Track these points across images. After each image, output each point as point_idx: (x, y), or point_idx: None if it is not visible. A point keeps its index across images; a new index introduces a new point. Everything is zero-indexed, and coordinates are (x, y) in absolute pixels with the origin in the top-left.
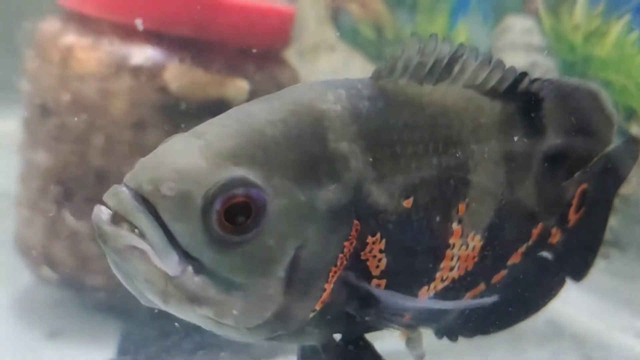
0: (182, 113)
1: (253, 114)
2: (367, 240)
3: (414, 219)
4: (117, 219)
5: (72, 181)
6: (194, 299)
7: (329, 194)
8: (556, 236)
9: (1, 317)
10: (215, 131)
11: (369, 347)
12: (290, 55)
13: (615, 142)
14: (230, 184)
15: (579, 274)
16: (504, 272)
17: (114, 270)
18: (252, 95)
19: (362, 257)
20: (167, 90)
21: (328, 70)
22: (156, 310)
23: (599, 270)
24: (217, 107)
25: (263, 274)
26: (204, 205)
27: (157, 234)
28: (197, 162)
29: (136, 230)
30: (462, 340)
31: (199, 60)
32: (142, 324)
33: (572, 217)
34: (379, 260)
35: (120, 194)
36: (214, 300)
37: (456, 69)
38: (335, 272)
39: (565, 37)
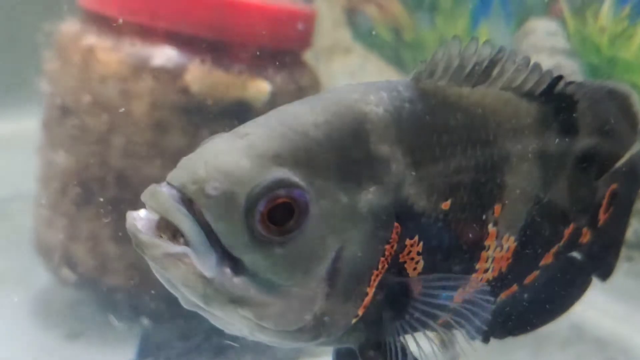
0: (203, 114)
1: (296, 115)
2: (406, 243)
3: (451, 221)
4: (158, 222)
5: (92, 182)
6: (235, 300)
7: (370, 196)
8: (586, 236)
9: (20, 318)
10: (259, 132)
11: (405, 350)
12: (306, 57)
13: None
14: (274, 184)
15: (605, 274)
16: (536, 273)
17: (157, 276)
18: (273, 96)
19: (400, 260)
20: (188, 91)
21: (344, 72)
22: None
23: (622, 273)
24: (238, 108)
25: (304, 276)
26: (247, 205)
27: (197, 234)
28: (241, 162)
29: (180, 237)
30: (483, 345)
31: (220, 61)
32: (162, 325)
33: (602, 216)
34: (417, 262)
35: (159, 194)
36: (255, 301)
37: (495, 71)
38: (377, 276)
39: (591, 39)
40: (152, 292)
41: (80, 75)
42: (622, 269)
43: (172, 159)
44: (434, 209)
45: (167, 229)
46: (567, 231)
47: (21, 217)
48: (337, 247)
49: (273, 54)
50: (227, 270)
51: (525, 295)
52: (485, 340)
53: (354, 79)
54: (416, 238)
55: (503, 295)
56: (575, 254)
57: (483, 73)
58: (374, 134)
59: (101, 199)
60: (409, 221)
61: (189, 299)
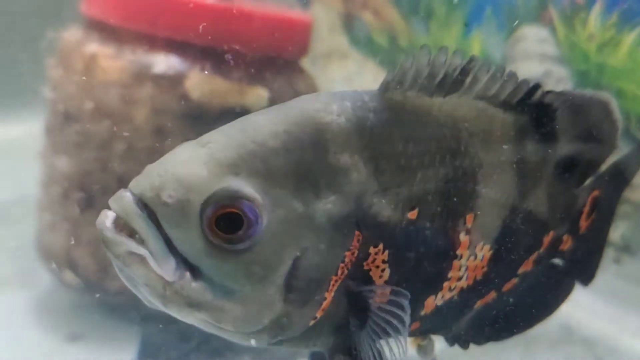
0: (203, 120)
1: (257, 125)
2: (370, 251)
3: (418, 230)
4: (120, 223)
5: (94, 187)
6: (193, 304)
7: (328, 205)
8: (567, 243)
9: (23, 321)
10: (219, 141)
11: (378, 355)
12: (303, 62)
13: (621, 148)
14: (222, 193)
15: (587, 278)
16: (515, 280)
17: (119, 274)
18: (271, 102)
19: (365, 267)
20: (188, 98)
21: (341, 77)
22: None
23: (610, 274)
24: (237, 114)
25: (260, 282)
26: (200, 213)
27: (156, 240)
28: (197, 171)
29: (137, 236)
30: (474, 346)
31: (219, 68)
32: (163, 328)
33: (584, 223)
34: (382, 270)
35: (123, 199)
36: (212, 305)
37: (468, 80)
38: (336, 281)
39: (580, 46)
40: None
41: (82, 82)
42: (610, 271)
43: None
44: (400, 218)
45: (127, 228)
46: (547, 239)
47: (23, 221)
48: (295, 255)
49: (271, 61)
50: (187, 275)
51: (505, 302)
52: (465, 346)
53: (351, 84)
54: (380, 246)
55: (480, 303)
56: (557, 260)
57: (455, 82)
58: (334, 143)
59: (103, 204)
60: (372, 230)
61: (149, 298)
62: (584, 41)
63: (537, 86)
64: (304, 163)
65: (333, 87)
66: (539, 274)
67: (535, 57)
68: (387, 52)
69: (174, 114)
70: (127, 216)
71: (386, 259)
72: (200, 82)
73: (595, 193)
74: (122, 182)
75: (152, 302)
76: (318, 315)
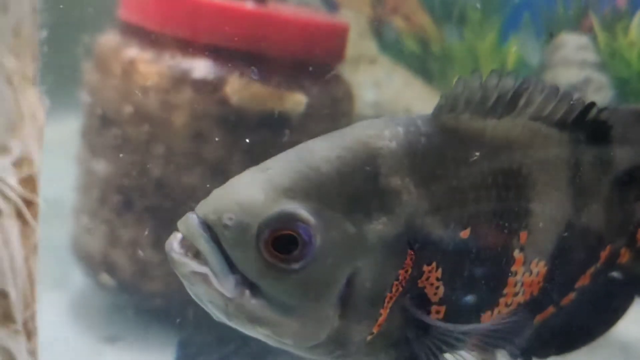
0: (242, 125)
1: (313, 151)
2: (423, 269)
3: (471, 249)
4: (188, 243)
5: (132, 190)
6: (254, 319)
7: (379, 226)
8: (625, 256)
9: (60, 322)
10: (277, 166)
11: None
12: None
13: None
14: (279, 217)
15: None
16: (572, 295)
17: (189, 292)
18: (309, 108)
19: (419, 285)
20: (227, 103)
21: (370, 82)
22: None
23: None
24: (275, 119)
25: (316, 299)
26: (257, 235)
27: (217, 259)
28: (255, 195)
29: (202, 255)
30: None
31: (258, 74)
32: (200, 331)
33: None
34: (437, 287)
35: (189, 221)
36: (272, 321)
37: (521, 102)
38: (390, 298)
39: (620, 53)
40: (191, 297)
41: (121, 86)
42: None
43: (211, 168)
44: (452, 237)
45: (193, 248)
46: (604, 253)
47: (50, 222)
48: (348, 274)
49: (309, 67)
50: (247, 292)
51: (564, 316)
52: (527, 358)
53: (380, 89)
54: (434, 264)
55: (539, 317)
56: (615, 274)
57: (508, 104)
58: (385, 167)
59: (141, 207)
60: (425, 249)
61: (216, 313)
62: (625, 48)
63: (592, 104)
64: (355, 187)
65: (362, 92)
66: (597, 287)
67: (575, 64)
68: (418, 57)
69: (212, 118)
70: (191, 237)
71: (440, 276)
72: (240, 87)
73: None
74: (160, 186)
75: (219, 317)
76: (374, 330)
